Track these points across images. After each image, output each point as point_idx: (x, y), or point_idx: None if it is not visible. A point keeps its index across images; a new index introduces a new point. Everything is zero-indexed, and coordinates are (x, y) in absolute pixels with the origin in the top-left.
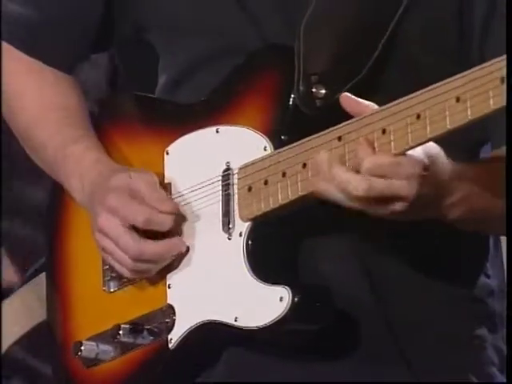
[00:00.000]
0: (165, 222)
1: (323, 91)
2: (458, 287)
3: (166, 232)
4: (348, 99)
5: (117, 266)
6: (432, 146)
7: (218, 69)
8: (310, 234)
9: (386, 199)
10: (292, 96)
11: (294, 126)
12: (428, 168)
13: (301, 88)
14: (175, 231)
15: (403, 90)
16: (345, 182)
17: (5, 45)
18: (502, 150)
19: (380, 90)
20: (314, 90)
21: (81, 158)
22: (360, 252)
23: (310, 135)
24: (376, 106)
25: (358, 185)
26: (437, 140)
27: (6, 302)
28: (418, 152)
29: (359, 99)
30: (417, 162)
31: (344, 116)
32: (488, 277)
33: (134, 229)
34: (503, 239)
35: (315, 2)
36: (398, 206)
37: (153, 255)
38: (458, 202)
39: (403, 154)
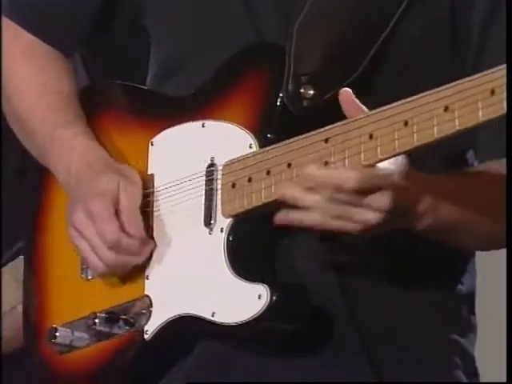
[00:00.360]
0: (132, 247)
1: (311, 92)
2: (433, 290)
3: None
4: (347, 96)
5: (89, 264)
6: (400, 156)
7: (209, 62)
8: (289, 233)
9: (353, 211)
10: (280, 95)
11: (281, 126)
12: (400, 178)
13: (289, 87)
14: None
15: (394, 95)
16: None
17: (7, 22)
18: (486, 165)
19: (370, 94)
20: (302, 90)
21: (70, 143)
22: (333, 252)
23: (297, 135)
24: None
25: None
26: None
27: None
28: (388, 162)
29: (357, 101)
30: (389, 174)
31: (331, 117)
32: (462, 283)
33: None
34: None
35: (310, 2)
36: (371, 217)
37: (126, 263)
38: (425, 211)
39: (373, 165)
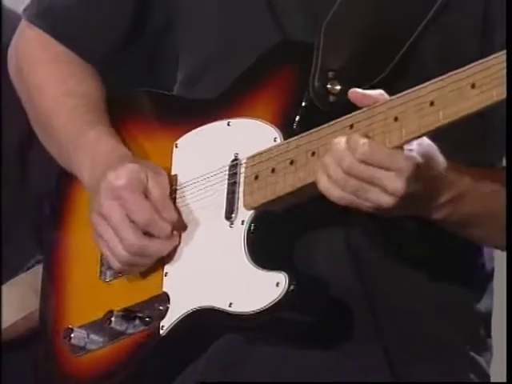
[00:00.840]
0: (164, 230)
1: (338, 87)
2: (451, 301)
3: None
4: (356, 94)
5: (109, 257)
6: (429, 145)
7: (236, 66)
8: (311, 226)
9: (369, 189)
10: (307, 90)
11: (307, 120)
12: (420, 166)
13: (316, 82)
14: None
15: None
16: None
17: (36, 31)
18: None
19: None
20: (329, 85)
21: (94, 143)
22: (354, 249)
23: None
24: (385, 93)
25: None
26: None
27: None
28: (413, 150)
29: (366, 91)
30: (409, 158)
31: None
32: (479, 303)
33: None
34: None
35: (340, 1)
36: (385, 200)
37: (155, 252)
38: (445, 203)
39: (400, 147)
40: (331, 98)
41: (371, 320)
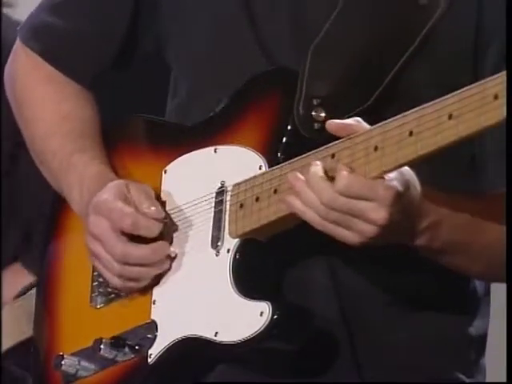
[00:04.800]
0: (151, 228)
1: (323, 114)
2: (441, 328)
3: (155, 239)
4: (333, 125)
5: (105, 273)
6: (406, 171)
7: (225, 95)
8: (295, 256)
9: (351, 220)
10: (291, 118)
11: (291, 148)
12: (401, 194)
13: (301, 110)
14: (162, 239)
15: None
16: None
17: (28, 52)
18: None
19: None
20: (313, 113)
21: (84, 168)
22: (337, 280)
23: None
24: (362, 122)
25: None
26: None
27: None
28: (394, 178)
29: (342, 121)
30: (389, 188)
31: None
32: (471, 325)
33: (125, 235)
34: None
35: (327, 28)
36: (368, 229)
37: (138, 258)
38: (424, 229)
39: (380, 177)
40: (316, 126)
41: (350, 355)
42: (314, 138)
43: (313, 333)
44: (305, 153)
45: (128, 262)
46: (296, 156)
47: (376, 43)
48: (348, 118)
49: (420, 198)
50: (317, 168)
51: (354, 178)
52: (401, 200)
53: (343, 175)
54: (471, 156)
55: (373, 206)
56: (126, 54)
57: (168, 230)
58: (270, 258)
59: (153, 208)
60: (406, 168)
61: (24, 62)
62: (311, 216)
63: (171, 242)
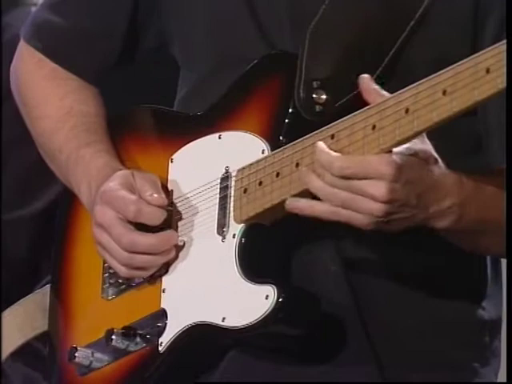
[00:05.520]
0: (154, 215)
1: (324, 97)
2: (452, 312)
3: (162, 228)
4: (368, 83)
5: (112, 262)
6: (423, 148)
7: (228, 81)
8: (302, 239)
9: (356, 198)
10: (292, 101)
11: (294, 130)
12: (403, 168)
13: (301, 93)
14: (169, 227)
15: None
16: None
17: (31, 50)
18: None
19: None
20: (314, 95)
21: (90, 161)
22: (346, 264)
23: None
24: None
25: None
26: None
27: (9, 311)
28: (399, 152)
29: (377, 87)
30: (388, 163)
31: None
32: (483, 309)
33: (131, 223)
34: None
35: (323, 9)
36: (375, 207)
37: (146, 246)
38: (448, 209)
39: (382, 152)
40: (317, 108)
41: (365, 338)
42: (316, 121)
43: (321, 317)
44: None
45: (135, 250)
46: (298, 138)
47: (374, 22)
48: (348, 99)
49: (440, 176)
50: (318, 153)
51: (346, 159)
52: (404, 175)
53: (336, 157)
54: (476, 135)
55: (370, 182)
56: (128, 50)
57: (174, 217)
58: (276, 242)
59: (155, 195)
60: (422, 145)
61: (27, 60)
62: (321, 209)
63: (177, 230)
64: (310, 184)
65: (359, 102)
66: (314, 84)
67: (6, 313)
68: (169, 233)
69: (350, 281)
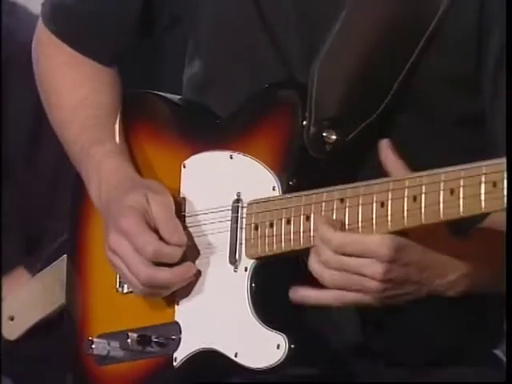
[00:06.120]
0: (174, 255)
1: (334, 137)
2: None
3: None
4: (387, 150)
5: (129, 284)
6: None
7: (238, 83)
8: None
9: (352, 277)
10: (303, 138)
11: (303, 170)
12: (400, 248)
13: (311, 132)
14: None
15: (415, 133)
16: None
17: (48, 32)
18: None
19: (391, 133)
20: (324, 134)
21: (101, 162)
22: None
23: (319, 178)
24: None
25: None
26: None
27: (28, 284)
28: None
29: (396, 157)
30: (383, 243)
31: (353, 160)
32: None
33: None
34: None
35: (330, 42)
36: (370, 285)
37: (163, 282)
38: (456, 280)
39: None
40: (328, 148)
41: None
42: (326, 160)
43: (334, 356)
44: (317, 174)
45: (153, 285)
46: (308, 178)
47: (379, 53)
48: (358, 132)
49: (444, 251)
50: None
51: (344, 237)
52: (404, 256)
53: (336, 235)
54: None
55: (366, 261)
56: (143, 30)
57: (186, 249)
58: (288, 280)
59: (175, 236)
60: None
61: (46, 43)
62: (327, 296)
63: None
64: (311, 266)
65: (367, 136)
66: (324, 123)
67: (25, 287)
68: (186, 267)
69: (362, 319)
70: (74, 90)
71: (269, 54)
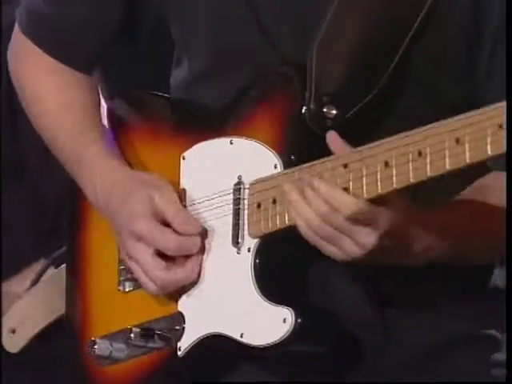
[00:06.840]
0: (194, 246)
1: (334, 112)
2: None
3: None
4: (334, 137)
5: (144, 287)
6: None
7: (231, 76)
8: (321, 255)
9: (342, 238)
10: (303, 115)
11: (304, 146)
12: (396, 223)
13: (312, 107)
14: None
15: (415, 111)
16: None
17: (23, 41)
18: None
19: (391, 110)
20: (325, 109)
21: (94, 163)
22: (371, 276)
23: (320, 154)
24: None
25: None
26: None
27: (28, 295)
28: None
29: (342, 140)
30: (387, 216)
31: (353, 135)
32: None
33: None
34: None
35: (328, 20)
36: (353, 251)
37: (180, 282)
38: (420, 252)
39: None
40: (328, 123)
41: (383, 348)
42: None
43: (341, 334)
44: (318, 150)
45: (167, 288)
46: (310, 153)
47: (377, 30)
48: (358, 109)
49: (411, 222)
50: (317, 183)
51: (352, 202)
52: (394, 229)
53: (341, 197)
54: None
55: (367, 230)
56: (125, 34)
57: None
58: (291, 257)
59: (189, 226)
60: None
61: (24, 48)
62: (304, 230)
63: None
64: (302, 215)
65: (367, 113)
66: (324, 99)
67: (25, 298)
68: (195, 259)
69: (368, 296)
70: (57, 98)
71: (263, 51)
